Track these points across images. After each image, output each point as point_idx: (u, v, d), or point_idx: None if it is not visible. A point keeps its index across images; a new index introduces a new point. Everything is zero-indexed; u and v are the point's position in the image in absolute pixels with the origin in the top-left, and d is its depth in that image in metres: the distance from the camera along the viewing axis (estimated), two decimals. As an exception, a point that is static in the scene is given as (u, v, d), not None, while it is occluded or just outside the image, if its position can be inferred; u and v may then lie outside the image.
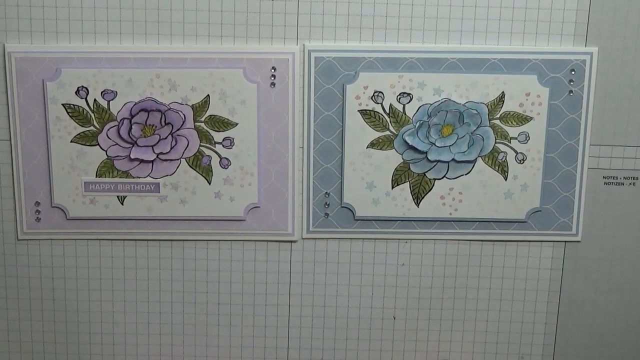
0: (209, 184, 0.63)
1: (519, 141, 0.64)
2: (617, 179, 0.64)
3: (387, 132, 0.63)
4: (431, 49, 0.62)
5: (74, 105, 0.62)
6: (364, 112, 0.63)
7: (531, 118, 0.63)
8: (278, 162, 0.63)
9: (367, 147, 0.64)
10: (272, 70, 0.62)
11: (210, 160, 0.63)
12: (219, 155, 0.63)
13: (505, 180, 0.64)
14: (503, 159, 0.64)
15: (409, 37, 0.62)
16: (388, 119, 0.63)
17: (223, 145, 0.63)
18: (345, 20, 0.61)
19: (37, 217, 0.64)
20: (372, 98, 0.63)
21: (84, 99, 0.62)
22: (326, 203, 0.65)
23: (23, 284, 0.65)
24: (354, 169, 0.64)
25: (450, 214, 0.65)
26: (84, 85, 0.61)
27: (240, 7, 0.61)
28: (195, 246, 0.65)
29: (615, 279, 0.67)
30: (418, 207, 0.65)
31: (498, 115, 0.63)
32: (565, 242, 0.66)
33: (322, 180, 0.64)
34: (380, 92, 0.62)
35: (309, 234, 0.66)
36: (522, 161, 0.64)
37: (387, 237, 0.66)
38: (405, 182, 0.64)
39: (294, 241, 0.65)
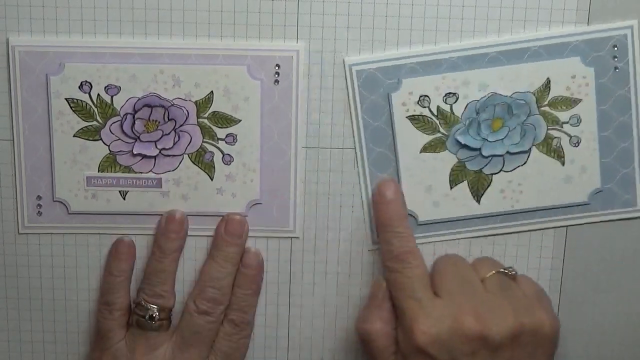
0: (211, 180, 0.64)
1: (570, 125, 0.64)
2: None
3: (438, 134, 0.64)
4: (470, 46, 0.62)
5: (77, 99, 0.62)
6: (412, 118, 0.63)
7: (580, 100, 0.63)
8: (280, 159, 0.64)
9: (420, 152, 0.64)
10: (276, 68, 0.62)
11: (212, 157, 0.63)
12: (222, 152, 0.63)
13: (563, 165, 0.64)
14: (557, 145, 0.64)
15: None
16: (437, 121, 0.63)
17: (226, 142, 0.63)
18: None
19: (39, 211, 0.64)
20: (418, 103, 0.63)
21: (87, 94, 0.62)
22: (387, 213, 0.65)
23: (23, 276, 0.66)
24: (410, 175, 0.64)
25: (512, 206, 0.65)
26: (88, 80, 0.62)
27: (243, 6, 0.61)
28: (195, 243, 0.65)
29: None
30: (479, 203, 0.65)
31: (546, 102, 0.63)
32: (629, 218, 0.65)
33: (380, 191, 0.65)
34: (425, 95, 0.63)
35: (375, 245, 0.66)
36: (577, 144, 0.64)
37: (451, 239, 0.66)
38: (463, 180, 0.64)
39: (296, 237, 0.65)
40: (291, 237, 0.66)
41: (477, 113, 0.63)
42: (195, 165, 0.64)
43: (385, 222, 0.63)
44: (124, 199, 0.64)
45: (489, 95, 0.63)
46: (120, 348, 0.63)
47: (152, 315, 0.63)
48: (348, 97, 0.63)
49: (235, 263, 0.64)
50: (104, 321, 0.64)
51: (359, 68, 0.62)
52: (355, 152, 0.64)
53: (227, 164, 0.64)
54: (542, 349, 0.60)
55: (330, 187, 0.65)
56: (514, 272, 0.63)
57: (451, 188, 0.65)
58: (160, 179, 0.64)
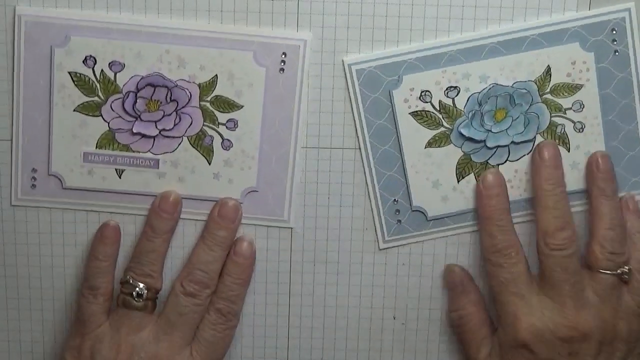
0: (209, 164, 0.63)
1: (574, 110, 0.64)
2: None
3: (442, 129, 0.63)
4: (469, 38, 0.62)
5: (80, 74, 0.61)
6: (415, 114, 0.63)
7: (581, 85, 0.63)
8: (280, 148, 0.63)
9: (425, 147, 0.64)
10: (283, 56, 0.62)
11: (212, 141, 0.63)
12: (222, 137, 0.63)
13: (569, 151, 0.64)
14: (562, 131, 0.64)
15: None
16: (440, 116, 0.63)
17: (226, 127, 0.63)
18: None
19: (33, 184, 0.64)
20: (420, 98, 0.63)
21: (90, 69, 0.61)
22: (397, 210, 0.65)
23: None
24: (416, 171, 0.64)
25: (520, 195, 0.65)
26: (92, 55, 0.61)
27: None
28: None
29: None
30: (487, 195, 0.65)
31: (548, 90, 0.63)
32: None
33: (387, 189, 0.64)
34: (427, 91, 0.63)
35: (386, 244, 0.66)
36: (581, 130, 0.64)
37: (462, 232, 0.65)
38: (469, 173, 0.64)
39: (290, 228, 0.65)
40: (286, 228, 0.65)
41: (480, 105, 0.63)
42: (194, 148, 0.63)
43: (490, 214, 0.63)
44: (120, 177, 0.64)
45: (491, 86, 0.62)
46: (103, 331, 0.62)
47: (139, 292, 0.62)
48: (349, 96, 0.63)
49: (225, 248, 0.63)
50: (88, 305, 0.62)
51: (359, 67, 0.62)
52: (360, 152, 0.64)
53: (226, 149, 0.63)
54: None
55: (330, 187, 0.65)
56: (627, 277, 0.62)
57: (458, 181, 0.64)
58: (158, 160, 0.64)
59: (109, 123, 0.63)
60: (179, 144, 0.63)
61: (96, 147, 0.63)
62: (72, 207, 0.65)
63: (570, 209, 0.62)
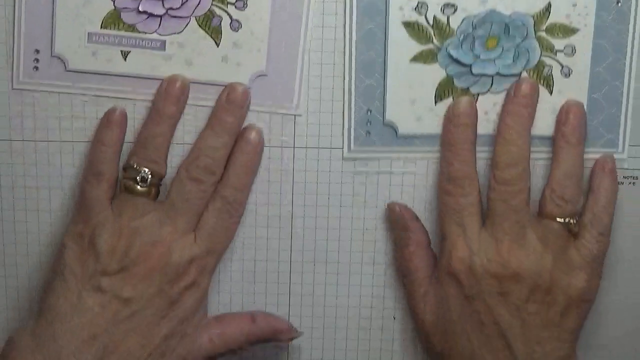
0: (217, 46, 0.61)
1: (565, 54, 0.63)
2: None
3: (431, 45, 0.62)
4: (476, -43, 0.61)
5: None
6: (407, 24, 0.62)
7: (578, 29, 0.62)
8: (290, 32, 0.61)
9: (410, 61, 0.62)
10: None
11: (220, 22, 0.61)
12: (230, 17, 0.61)
13: (551, 95, 0.63)
14: (548, 73, 0.63)
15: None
16: (432, 31, 0.62)
17: (235, 6, 0.60)
18: None
19: (35, 66, 0.61)
20: (415, 9, 0.61)
21: None
22: (368, 121, 0.63)
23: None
24: (397, 84, 0.63)
25: (494, 129, 0.64)
26: None
27: None
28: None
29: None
30: (462, 123, 0.63)
31: (544, 27, 0.62)
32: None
33: (363, 97, 0.63)
34: (424, 2, 0.61)
35: (351, 154, 0.64)
36: (567, 75, 0.63)
37: (431, 156, 0.64)
38: (448, 97, 0.63)
39: (299, 115, 0.63)
40: (294, 115, 0.63)
41: (474, 28, 0.62)
42: (201, 29, 0.61)
43: (453, 141, 0.61)
44: (125, 59, 0.61)
45: (488, 11, 0.61)
46: (106, 217, 0.60)
47: (143, 177, 0.60)
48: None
49: (232, 134, 0.61)
50: (92, 190, 0.60)
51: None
52: (344, 55, 0.62)
53: (234, 31, 0.61)
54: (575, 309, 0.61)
55: (331, 187, 0.65)
56: (574, 229, 0.61)
57: (436, 103, 0.63)
58: (165, 41, 0.61)
59: (114, 1, 0.61)
60: (187, 25, 0.61)
61: (101, 27, 0.61)
62: (75, 91, 0.63)
63: (529, 150, 0.61)
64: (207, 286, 0.62)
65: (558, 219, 0.61)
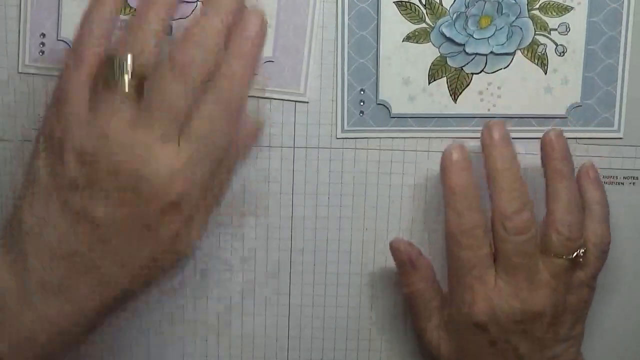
0: None
1: (559, 32, 0.62)
2: None
3: (424, 25, 0.62)
4: None
5: None
6: (399, 4, 0.61)
7: (572, 8, 0.62)
8: (298, 16, 0.61)
9: (403, 41, 0.62)
10: None
11: None
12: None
13: (545, 74, 0.63)
14: (543, 52, 0.62)
15: None
16: (424, 11, 0.61)
17: None
18: None
19: (41, 50, 0.61)
20: (408, -12, 0.61)
21: None
22: (361, 101, 0.63)
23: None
24: (389, 64, 0.62)
25: (489, 109, 0.63)
26: None
27: None
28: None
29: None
30: (455, 102, 0.63)
31: (538, 5, 0.61)
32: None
33: (356, 77, 0.62)
34: (416, -19, 0.61)
35: (344, 134, 0.64)
36: (562, 54, 0.62)
37: (423, 136, 0.64)
38: (442, 77, 0.63)
39: (306, 102, 0.62)
40: (303, 102, 0.63)
41: (467, 7, 0.61)
42: None
43: (457, 189, 0.58)
44: None
45: (481, -11, 0.61)
46: (79, 114, 0.50)
47: (122, 67, 0.50)
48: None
49: (228, 14, 0.52)
50: (68, 77, 0.51)
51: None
52: (336, 34, 0.62)
53: None
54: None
55: (331, 187, 0.65)
56: (581, 260, 0.60)
57: (429, 83, 0.63)
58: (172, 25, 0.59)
59: None
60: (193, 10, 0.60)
61: None
62: None
63: (527, 188, 0.59)
64: (198, 213, 0.52)
65: (566, 257, 0.59)
